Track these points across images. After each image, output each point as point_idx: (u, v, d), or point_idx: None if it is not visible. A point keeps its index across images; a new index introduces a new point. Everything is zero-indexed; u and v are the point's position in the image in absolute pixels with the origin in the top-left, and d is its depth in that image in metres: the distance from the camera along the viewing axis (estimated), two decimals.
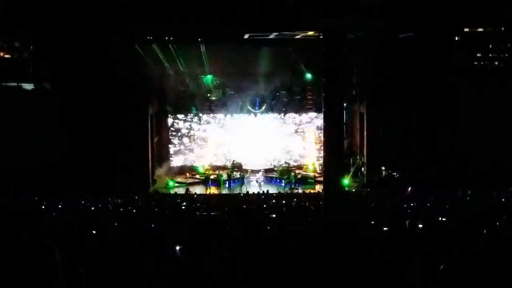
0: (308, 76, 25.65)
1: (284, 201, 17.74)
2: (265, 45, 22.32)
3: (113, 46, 20.50)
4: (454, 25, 23.91)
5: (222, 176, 25.45)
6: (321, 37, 18.37)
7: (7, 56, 26.51)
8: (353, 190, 23.11)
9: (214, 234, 6.70)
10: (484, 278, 4.25)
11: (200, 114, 27.64)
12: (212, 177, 25.68)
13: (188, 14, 17.49)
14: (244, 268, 4.38)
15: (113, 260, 5.15)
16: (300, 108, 28.10)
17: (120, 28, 18.89)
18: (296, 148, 28.40)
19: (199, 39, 21.65)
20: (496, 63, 27.78)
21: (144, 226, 8.80)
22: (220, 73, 26.30)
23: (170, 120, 27.69)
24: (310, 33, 19.42)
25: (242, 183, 25.31)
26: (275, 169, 27.14)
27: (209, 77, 26.55)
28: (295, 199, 18.53)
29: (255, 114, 27.62)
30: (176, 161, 27.52)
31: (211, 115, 27.65)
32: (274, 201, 18.16)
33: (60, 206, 16.01)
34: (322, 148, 21.47)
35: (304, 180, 25.43)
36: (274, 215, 10.89)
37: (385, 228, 7.61)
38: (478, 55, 27.59)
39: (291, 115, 28.11)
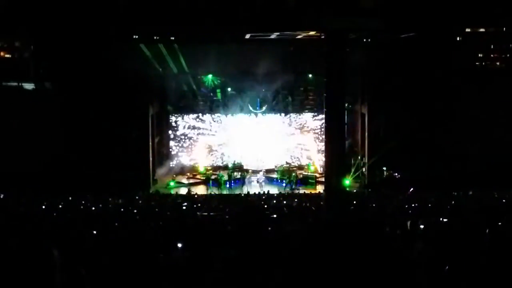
0: (310, 76, 25.59)
1: (285, 202, 17.70)
2: (268, 45, 22.41)
3: (113, 46, 20.47)
4: (456, 26, 23.85)
5: (223, 176, 25.40)
6: (323, 37, 18.38)
7: (7, 56, 26.50)
8: (354, 191, 23.08)
9: (216, 234, 6.66)
10: (487, 279, 4.23)
11: (201, 114, 27.63)
12: (213, 177, 25.65)
13: (190, 15, 17.51)
14: (248, 268, 4.35)
15: (114, 261, 5.12)
16: (301, 108, 28.08)
17: (120, 28, 18.90)
18: (297, 148, 28.38)
19: (200, 39, 21.66)
20: (498, 63, 27.75)
21: (145, 227, 8.78)
22: (221, 73, 26.29)
23: (170, 120, 27.68)
24: (312, 33, 19.43)
25: (243, 184, 25.25)
26: (276, 169, 27.09)
27: (209, 77, 26.56)
28: (296, 200, 18.48)
29: (256, 114, 27.60)
30: (177, 162, 27.51)
31: (212, 115, 27.63)
32: (275, 201, 18.11)
33: (60, 207, 15.97)
34: (323, 148, 21.48)
35: (305, 181, 25.35)
36: (275, 216, 10.85)
37: (386, 229, 7.58)
38: (479, 55, 27.56)
39: (292, 115, 28.10)
